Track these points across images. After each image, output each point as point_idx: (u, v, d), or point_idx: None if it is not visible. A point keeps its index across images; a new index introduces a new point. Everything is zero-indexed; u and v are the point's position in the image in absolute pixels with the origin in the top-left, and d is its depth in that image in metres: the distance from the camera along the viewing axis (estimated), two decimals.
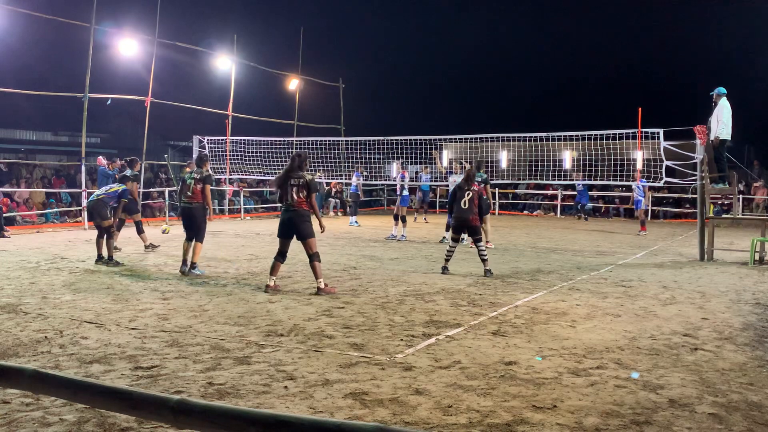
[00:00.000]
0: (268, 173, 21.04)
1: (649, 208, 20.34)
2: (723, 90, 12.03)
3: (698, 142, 12.45)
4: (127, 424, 3.75)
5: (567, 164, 21.07)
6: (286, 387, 4.46)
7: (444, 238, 14.48)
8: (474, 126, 24.14)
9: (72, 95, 17.99)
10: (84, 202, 15.99)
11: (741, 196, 21.03)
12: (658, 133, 14.56)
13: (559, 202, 25.69)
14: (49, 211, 18.67)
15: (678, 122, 14.23)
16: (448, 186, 15.42)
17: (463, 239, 12.15)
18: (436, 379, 4.67)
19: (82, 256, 11.22)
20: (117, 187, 10.86)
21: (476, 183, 10.61)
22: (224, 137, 21.54)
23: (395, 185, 16.78)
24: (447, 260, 9.97)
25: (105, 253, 10.27)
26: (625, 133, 16.12)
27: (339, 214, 24.41)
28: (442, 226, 15.99)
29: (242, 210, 22.44)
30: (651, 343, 5.79)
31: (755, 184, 23.47)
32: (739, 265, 11.41)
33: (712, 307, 7.49)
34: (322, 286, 8.02)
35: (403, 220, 15.24)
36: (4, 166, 21.95)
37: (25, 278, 8.84)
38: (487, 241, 12.36)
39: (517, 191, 27.52)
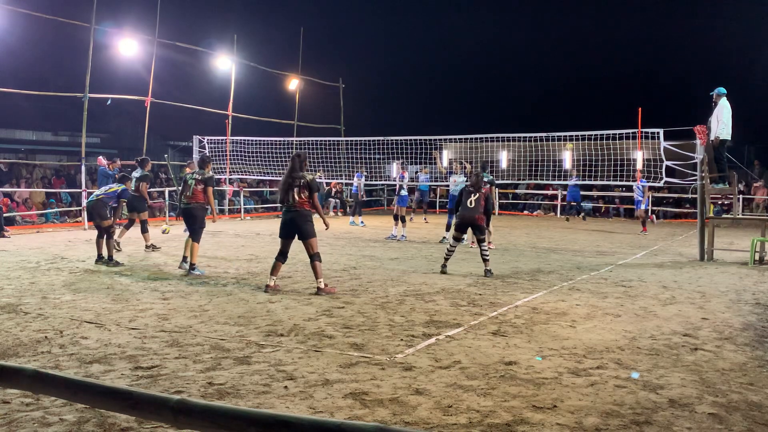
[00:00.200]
0: (268, 173, 21.05)
1: (649, 208, 20.32)
2: (723, 90, 12.03)
3: (698, 142, 12.45)
4: (127, 424, 3.75)
5: (567, 164, 21.07)
6: (286, 387, 4.46)
7: (444, 238, 14.48)
8: (474, 126, 24.10)
9: (72, 95, 18.00)
10: (84, 202, 15.99)
11: (741, 196, 21.03)
12: (658, 133, 14.55)
13: (559, 202, 25.69)
14: (49, 211, 18.67)
15: (678, 122, 14.25)
16: (448, 186, 15.42)
17: (463, 239, 12.14)
18: (436, 379, 4.67)
19: (82, 256, 11.22)
20: (116, 187, 10.86)
21: (486, 187, 10.67)
22: (224, 137, 21.54)
23: (395, 185, 16.79)
24: (446, 259, 9.99)
25: (105, 253, 10.27)
26: (625, 133, 16.12)
27: (339, 214, 24.41)
28: (442, 226, 15.99)
29: (242, 210, 22.45)
30: (651, 343, 5.79)
31: (755, 184, 23.47)
32: (739, 265, 11.41)
33: (712, 307, 7.49)
34: (322, 285, 8.03)
35: (403, 220, 15.25)
36: (4, 166, 21.94)
37: (25, 278, 8.84)
38: (489, 242, 12.36)
39: (517, 191, 27.52)
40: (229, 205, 23.08)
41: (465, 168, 14.67)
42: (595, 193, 25.65)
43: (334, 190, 24.69)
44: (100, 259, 10.31)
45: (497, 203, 25.53)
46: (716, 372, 4.96)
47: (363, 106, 33.16)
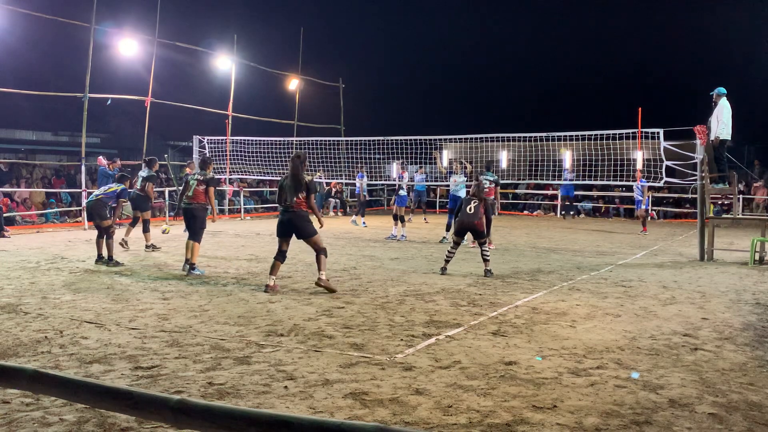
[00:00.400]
0: (268, 173, 21.04)
1: (649, 208, 20.32)
2: (723, 90, 12.02)
3: (698, 142, 12.45)
4: (127, 424, 3.75)
5: (567, 164, 21.08)
6: (286, 387, 4.46)
7: (444, 238, 14.48)
8: (474, 126, 24.10)
9: (72, 95, 17.99)
10: (84, 202, 16.00)
11: (741, 196, 21.03)
12: (658, 133, 14.56)
13: (559, 202, 25.69)
14: (49, 211, 18.67)
15: (678, 122, 14.26)
16: (448, 186, 15.42)
17: (463, 242, 12.15)
18: (436, 379, 4.67)
19: (82, 256, 11.22)
20: (115, 186, 10.86)
21: (491, 186, 10.67)
22: (224, 137, 21.54)
23: (395, 185, 16.79)
24: (447, 261, 10.00)
25: (105, 253, 10.27)
26: (625, 133, 16.12)
27: (339, 214, 24.41)
28: (442, 226, 15.99)
29: (242, 210, 22.44)
30: (651, 343, 5.79)
31: (755, 184, 23.47)
32: (739, 265, 11.41)
33: (712, 307, 7.49)
34: (323, 277, 8.10)
35: (402, 220, 15.27)
36: (4, 166, 21.95)
37: (25, 278, 8.84)
38: (489, 242, 12.36)
39: (517, 191, 27.52)
40: (229, 205, 23.08)
41: (465, 168, 14.67)
42: (595, 193, 25.65)
43: (334, 190, 24.68)
44: (100, 259, 10.31)
45: (499, 203, 25.54)
46: (716, 372, 4.96)
47: (363, 106, 33.16)
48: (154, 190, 12.91)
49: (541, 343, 5.76)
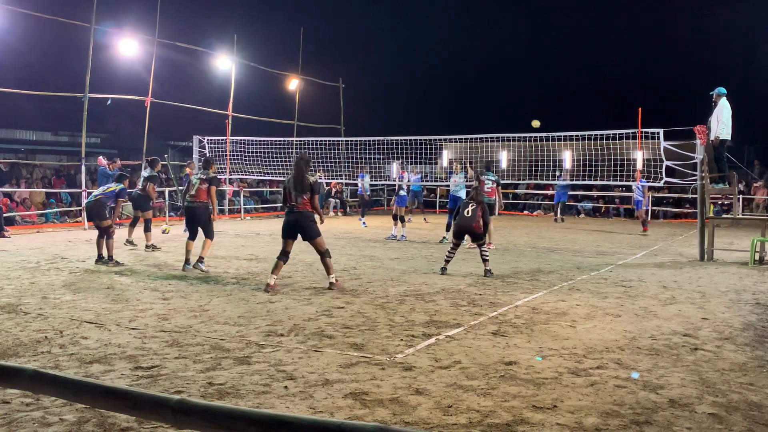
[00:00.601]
0: (268, 173, 21.04)
1: (649, 208, 20.31)
2: (723, 90, 12.02)
3: (698, 142, 12.45)
4: (127, 424, 3.75)
5: (567, 164, 21.05)
6: (286, 387, 4.46)
7: (444, 238, 14.49)
8: (474, 126, 24.07)
9: (72, 95, 17.99)
10: (84, 202, 16.01)
11: (741, 196, 21.02)
12: (658, 133, 14.55)
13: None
14: (49, 211, 18.67)
15: (678, 122, 14.23)
16: (448, 186, 15.41)
17: (463, 242, 12.15)
18: (436, 379, 4.67)
19: (82, 256, 11.22)
20: (114, 186, 10.86)
21: (492, 187, 10.62)
22: (224, 137, 21.54)
23: (395, 185, 16.80)
24: (447, 262, 10.02)
25: (105, 253, 10.28)
26: (625, 133, 16.11)
27: (339, 214, 24.41)
28: (442, 226, 15.99)
29: (242, 210, 22.44)
30: (651, 343, 5.79)
31: (755, 184, 23.46)
32: (739, 265, 11.41)
33: (712, 307, 7.49)
34: (334, 281, 8.30)
35: (402, 220, 15.27)
36: (4, 166, 21.94)
37: (25, 278, 8.84)
38: (489, 243, 12.36)
39: (517, 191, 27.51)
40: (229, 205, 23.08)
41: (467, 171, 14.67)
42: (595, 193, 25.63)
43: (334, 190, 24.69)
44: (100, 259, 10.31)
45: (502, 203, 25.51)
46: (716, 372, 4.96)
47: (363, 106, 33.16)
48: (155, 190, 12.95)
49: (541, 343, 5.76)
